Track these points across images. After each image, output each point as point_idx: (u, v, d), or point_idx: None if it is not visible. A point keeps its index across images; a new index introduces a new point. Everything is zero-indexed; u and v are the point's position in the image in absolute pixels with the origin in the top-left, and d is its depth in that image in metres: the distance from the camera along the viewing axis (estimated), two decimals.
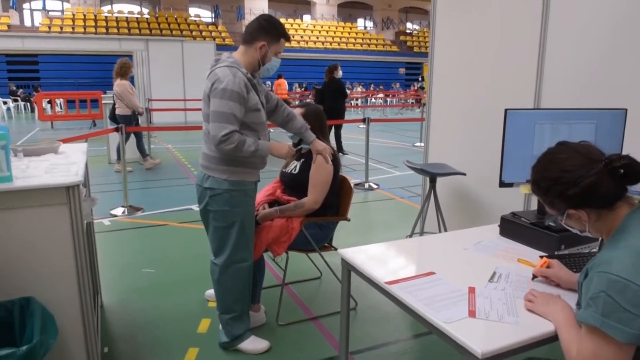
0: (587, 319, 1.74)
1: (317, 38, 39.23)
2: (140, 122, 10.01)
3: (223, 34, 35.52)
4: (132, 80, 11.44)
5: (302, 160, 3.81)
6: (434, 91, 5.07)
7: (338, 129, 12.08)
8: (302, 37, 38.32)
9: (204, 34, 34.73)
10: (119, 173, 9.54)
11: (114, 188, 8.48)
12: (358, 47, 40.05)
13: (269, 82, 27.71)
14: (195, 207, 7.13)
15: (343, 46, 39.35)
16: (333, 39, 39.74)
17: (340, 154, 12.11)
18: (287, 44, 3.78)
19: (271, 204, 3.91)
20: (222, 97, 2.96)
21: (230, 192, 3.17)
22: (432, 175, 4.53)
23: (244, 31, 3.19)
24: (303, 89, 32.55)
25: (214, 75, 3.04)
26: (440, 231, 4.68)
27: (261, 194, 3.97)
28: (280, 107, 3.50)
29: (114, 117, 9.70)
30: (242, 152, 3.03)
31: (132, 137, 10.25)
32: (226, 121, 2.96)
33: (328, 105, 11.41)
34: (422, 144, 13.22)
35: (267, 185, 4.12)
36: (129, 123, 9.42)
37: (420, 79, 35.95)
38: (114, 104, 9.72)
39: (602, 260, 1.76)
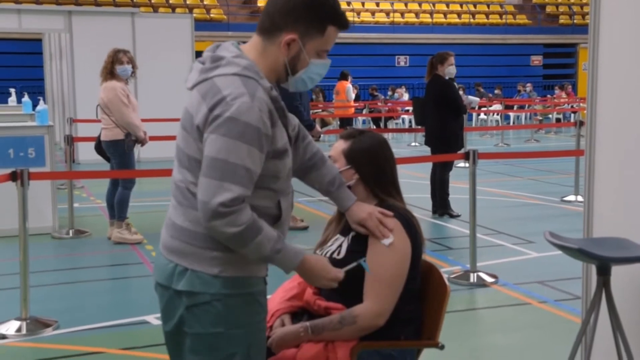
0: None
1: (378, 5, 27.56)
2: (138, 152, 7.33)
3: (207, 2, 24.85)
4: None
5: (352, 234, 2.84)
6: (604, 98, 3.62)
7: (443, 171, 8.09)
8: (351, 6, 26.19)
9: (171, 1, 23.90)
10: (107, 242, 7.10)
11: (3, 285, 5.79)
12: (453, 20, 27.91)
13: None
14: (154, 320, 4.88)
15: (425, 19, 27.59)
16: (407, 5, 28.07)
17: (441, 214, 8.23)
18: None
19: (296, 315, 2.96)
20: (229, 134, 2.18)
21: (226, 300, 2.33)
22: (601, 261, 3.35)
23: (263, 9, 2.37)
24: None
25: (212, 87, 2.25)
26: None
27: (277, 297, 3.01)
28: (302, 139, 2.64)
29: (100, 146, 7.14)
30: (248, 247, 2.21)
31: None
32: (231, 178, 2.17)
33: (432, 126, 7.98)
34: (580, 199, 8.55)
35: (285, 279, 3.05)
36: (119, 155, 6.86)
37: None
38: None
39: None
